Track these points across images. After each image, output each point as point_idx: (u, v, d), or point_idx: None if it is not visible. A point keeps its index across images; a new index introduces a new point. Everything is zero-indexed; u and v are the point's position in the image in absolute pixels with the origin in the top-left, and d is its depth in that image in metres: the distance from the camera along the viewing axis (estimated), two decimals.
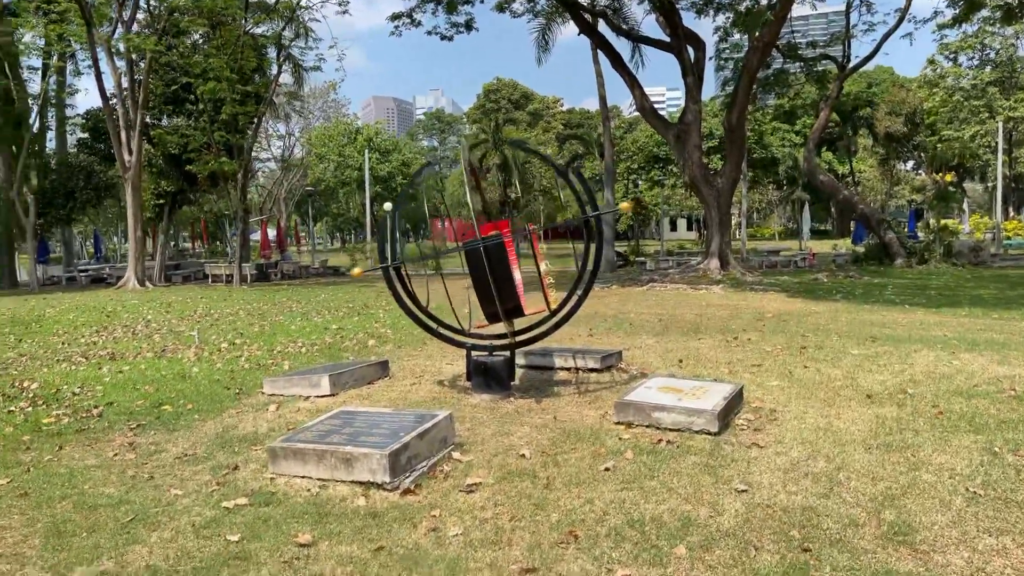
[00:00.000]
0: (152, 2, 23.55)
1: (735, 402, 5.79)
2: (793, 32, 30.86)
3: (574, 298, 6.49)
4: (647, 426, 5.44)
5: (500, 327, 6.78)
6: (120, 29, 23.81)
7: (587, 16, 26.39)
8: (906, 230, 33.08)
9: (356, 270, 6.43)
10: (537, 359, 7.80)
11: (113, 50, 24.19)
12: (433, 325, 6.57)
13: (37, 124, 30.92)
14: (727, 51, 31.29)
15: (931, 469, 4.51)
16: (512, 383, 6.61)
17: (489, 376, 6.38)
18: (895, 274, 23.19)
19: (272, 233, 39.47)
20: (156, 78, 26.51)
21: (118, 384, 7.77)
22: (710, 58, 32.47)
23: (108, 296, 21.68)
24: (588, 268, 6.47)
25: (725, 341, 9.44)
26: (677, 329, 10.88)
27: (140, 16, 26.05)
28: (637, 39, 26.88)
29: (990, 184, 59.76)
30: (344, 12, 27.63)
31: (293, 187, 59.02)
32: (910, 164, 72.57)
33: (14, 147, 26.09)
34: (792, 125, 63.29)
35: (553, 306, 6.58)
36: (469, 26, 29.34)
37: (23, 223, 25.67)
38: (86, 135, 28.69)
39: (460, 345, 6.60)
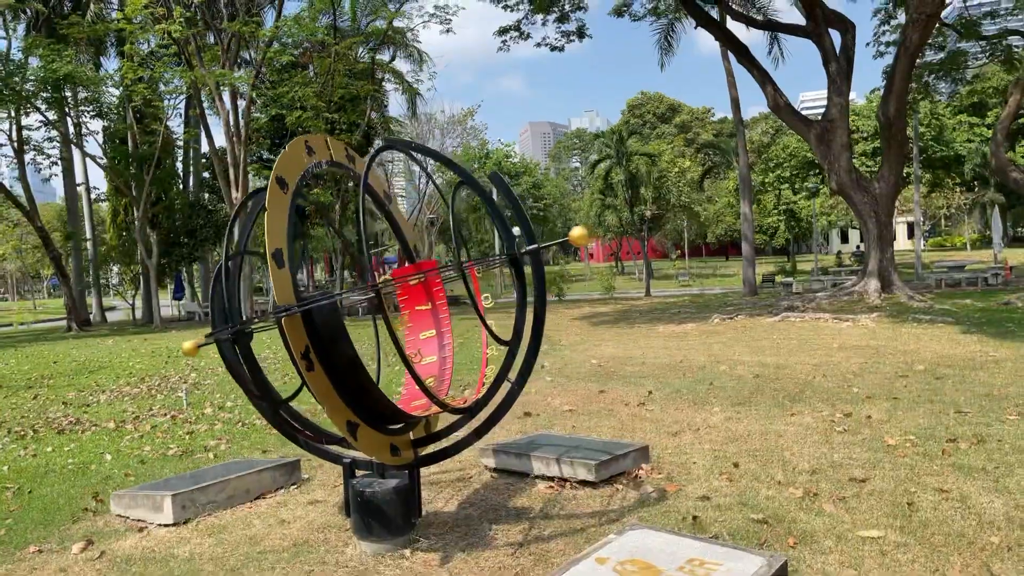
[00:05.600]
0: (249, 39, 23.35)
1: None
2: (967, 5, 25.66)
3: (502, 389, 3.96)
4: None
5: (440, 425, 4.37)
6: (224, 67, 23.86)
7: (707, 7, 23.22)
8: None
9: (187, 345, 4.27)
10: (511, 461, 5.27)
11: (222, 87, 24.31)
12: (295, 425, 4.26)
13: (180, 167, 32.34)
14: (887, 32, 26.63)
15: None
16: (416, 520, 4.15)
17: (370, 514, 3.97)
18: None
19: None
20: (267, 113, 26.51)
21: None
22: (867, 44, 27.96)
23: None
24: (525, 332, 3.91)
25: (830, 420, 6.36)
26: (771, 393, 7.82)
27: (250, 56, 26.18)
28: (764, 26, 23.23)
29: None
30: (448, 31, 26.36)
31: (437, 217, 58.66)
32: None
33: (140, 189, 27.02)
34: (983, 117, 54.68)
35: (473, 397, 4.08)
36: (582, 34, 27.15)
37: (147, 263, 26.49)
38: (207, 174, 29.44)
39: (334, 460, 4.25)
